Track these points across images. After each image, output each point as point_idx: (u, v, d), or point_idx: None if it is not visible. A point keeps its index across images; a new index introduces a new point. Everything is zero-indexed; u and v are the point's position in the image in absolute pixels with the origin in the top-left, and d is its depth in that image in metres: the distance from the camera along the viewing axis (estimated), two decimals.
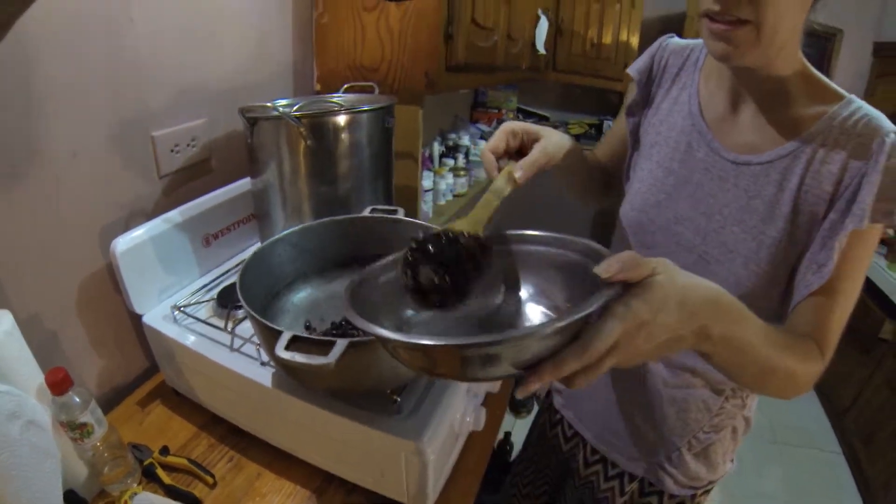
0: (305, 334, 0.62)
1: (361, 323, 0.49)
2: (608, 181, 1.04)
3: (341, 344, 0.56)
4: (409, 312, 0.64)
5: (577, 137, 3.13)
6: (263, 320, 0.62)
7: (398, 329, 0.61)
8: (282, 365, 0.65)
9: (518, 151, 0.76)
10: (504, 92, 3.11)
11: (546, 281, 0.63)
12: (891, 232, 2.72)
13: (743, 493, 2.36)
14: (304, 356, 0.56)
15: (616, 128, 1.01)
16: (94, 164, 0.92)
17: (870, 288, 2.56)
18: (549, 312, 0.63)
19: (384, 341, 0.46)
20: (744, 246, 0.74)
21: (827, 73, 0.70)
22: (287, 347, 0.58)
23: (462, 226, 0.62)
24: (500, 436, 2.20)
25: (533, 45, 2.31)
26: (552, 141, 0.75)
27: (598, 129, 3.36)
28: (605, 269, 0.46)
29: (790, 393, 0.67)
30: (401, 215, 0.88)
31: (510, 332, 0.42)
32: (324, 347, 0.56)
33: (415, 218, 0.93)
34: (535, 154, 0.73)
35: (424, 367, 0.48)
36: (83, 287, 0.95)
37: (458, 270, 0.58)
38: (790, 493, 2.40)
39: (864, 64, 3.12)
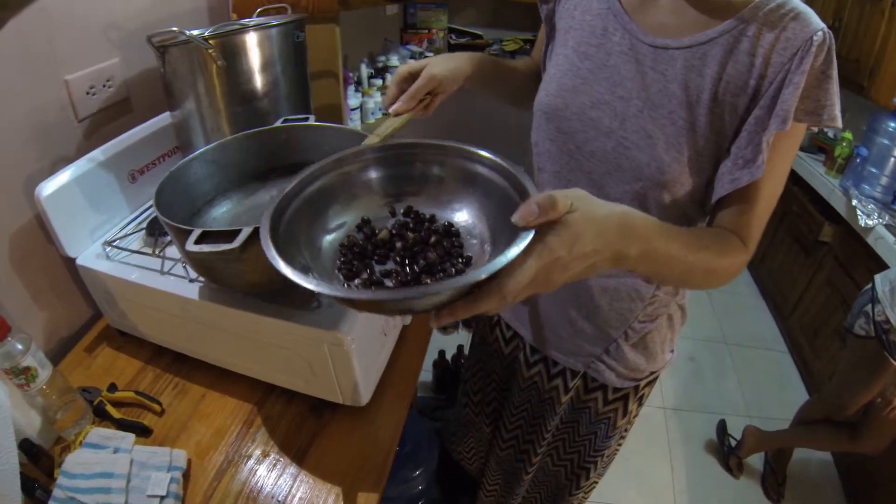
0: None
1: (288, 271, 0.48)
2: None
3: (245, 231, 0.57)
4: (329, 237, 0.65)
5: (511, 54, 3.08)
6: (173, 223, 0.63)
7: (316, 253, 0.63)
8: (194, 260, 0.66)
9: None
10: (434, 11, 3.03)
11: (481, 206, 0.65)
12: (815, 130, 2.78)
13: (700, 393, 2.50)
14: (211, 246, 0.57)
15: (541, 32, 0.99)
16: (8, 115, 0.89)
17: (809, 193, 2.66)
18: (475, 240, 0.64)
19: (322, 294, 0.48)
20: (662, 131, 0.72)
21: None
22: (197, 242, 0.59)
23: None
24: (454, 350, 2.27)
25: None
26: (439, 66, 0.77)
27: (533, 45, 3.31)
28: (522, 218, 0.47)
29: (715, 284, 0.69)
30: (311, 121, 0.88)
31: (423, 288, 0.45)
32: (230, 237, 0.58)
33: None
34: (418, 82, 0.76)
35: (346, 305, 0.51)
36: (14, 242, 0.94)
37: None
38: (743, 390, 2.55)
39: None
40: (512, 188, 0.58)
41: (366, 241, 0.63)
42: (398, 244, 0.61)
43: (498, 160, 0.62)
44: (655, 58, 0.73)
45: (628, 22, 0.76)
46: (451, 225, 0.64)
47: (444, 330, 2.67)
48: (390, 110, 0.78)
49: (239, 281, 0.68)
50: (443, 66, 0.79)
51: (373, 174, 0.69)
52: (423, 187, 0.69)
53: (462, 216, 0.66)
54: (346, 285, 0.57)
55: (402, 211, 0.67)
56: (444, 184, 0.68)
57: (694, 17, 0.70)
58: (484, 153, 0.63)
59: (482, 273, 0.44)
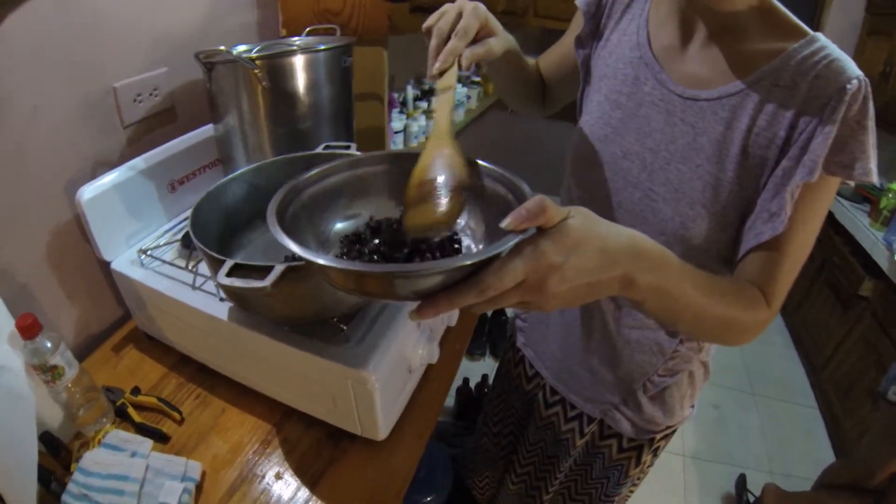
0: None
1: (280, 237, 0.50)
2: (546, 92, 1.02)
3: (278, 268, 0.57)
4: (337, 225, 0.66)
5: None
6: (207, 249, 0.63)
7: (323, 242, 0.64)
8: (225, 291, 0.67)
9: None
10: None
11: (483, 216, 0.64)
12: (847, 182, 2.69)
13: (722, 443, 2.43)
14: (242, 280, 0.58)
15: (558, 48, 0.97)
16: (56, 118, 0.92)
17: (851, 244, 2.57)
18: (470, 243, 0.64)
19: (303, 259, 0.48)
20: (689, 186, 0.71)
21: (817, 26, 0.66)
22: (228, 274, 0.59)
23: (432, 144, 0.61)
24: (478, 378, 2.26)
25: None
26: (500, 40, 0.71)
27: None
28: (509, 223, 0.44)
29: (733, 340, 0.66)
30: (353, 150, 0.88)
31: (401, 266, 0.44)
32: (262, 272, 0.58)
33: None
34: (480, 47, 0.68)
35: (331, 280, 0.50)
36: (53, 239, 0.96)
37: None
38: (767, 443, 2.46)
39: (855, 19, 3.05)
40: (515, 199, 0.57)
41: (372, 235, 0.63)
42: None
43: (500, 171, 0.61)
44: (685, 109, 0.71)
45: (659, 72, 0.74)
46: (454, 233, 0.63)
47: (471, 356, 2.69)
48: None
49: (269, 313, 0.69)
50: (502, 40, 0.71)
51: (381, 179, 0.69)
52: None
53: (465, 225, 0.65)
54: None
55: None
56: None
57: (724, 68, 0.68)
58: (487, 165, 0.63)
59: (461, 261, 0.43)
